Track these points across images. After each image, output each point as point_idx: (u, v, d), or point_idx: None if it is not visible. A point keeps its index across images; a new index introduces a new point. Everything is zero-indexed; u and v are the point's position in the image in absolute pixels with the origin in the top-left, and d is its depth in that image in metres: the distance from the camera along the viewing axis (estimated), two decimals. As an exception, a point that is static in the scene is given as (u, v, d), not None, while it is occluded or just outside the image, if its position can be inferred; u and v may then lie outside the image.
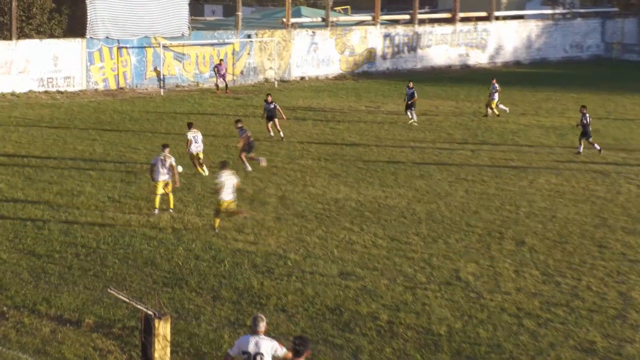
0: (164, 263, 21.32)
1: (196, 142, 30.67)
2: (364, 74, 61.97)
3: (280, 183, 29.99)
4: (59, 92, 49.76)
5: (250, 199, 27.70)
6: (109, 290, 16.96)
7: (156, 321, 15.10)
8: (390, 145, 37.11)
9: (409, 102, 42.48)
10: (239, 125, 32.41)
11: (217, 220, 24.34)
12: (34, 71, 49.70)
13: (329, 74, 60.96)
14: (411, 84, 42.91)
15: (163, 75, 53.13)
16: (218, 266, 21.26)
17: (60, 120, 41.27)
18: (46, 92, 49.56)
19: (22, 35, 51.37)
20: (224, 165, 24.78)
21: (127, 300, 16.12)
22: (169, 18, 55.12)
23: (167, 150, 26.22)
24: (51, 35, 52.73)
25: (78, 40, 51.60)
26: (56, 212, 25.48)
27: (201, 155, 30.96)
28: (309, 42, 60.80)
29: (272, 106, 37.30)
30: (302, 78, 59.43)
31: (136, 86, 53.19)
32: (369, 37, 63.87)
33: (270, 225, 24.84)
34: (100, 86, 52.00)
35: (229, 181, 24.27)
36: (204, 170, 30.76)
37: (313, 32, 61.51)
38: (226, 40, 57.22)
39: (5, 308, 18.21)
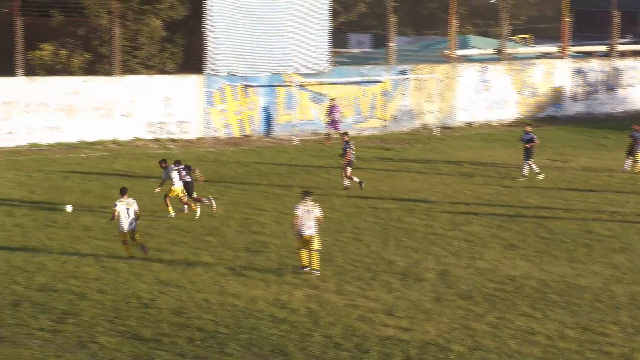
0: (296, 352, 21.36)
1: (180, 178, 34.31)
2: (549, 118, 61.61)
3: (440, 255, 29.88)
4: (171, 139, 50.81)
5: (402, 273, 27.65)
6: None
7: None
8: (582, 209, 36.68)
9: (527, 151, 42.54)
10: (346, 138, 34.49)
11: (304, 257, 25.07)
12: (141, 114, 50.76)
13: (503, 118, 60.79)
14: (529, 128, 42.69)
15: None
16: (363, 357, 21.23)
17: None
18: (155, 139, 50.64)
19: (127, 70, 52.52)
20: (306, 195, 25.35)
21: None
22: (306, 51, 55.67)
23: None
24: (162, 71, 53.80)
25: (195, 77, 52.59)
26: (166, 287, 25.85)
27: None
28: (479, 80, 60.75)
29: None
30: (469, 124, 59.42)
31: (265, 133, 53.88)
32: (556, 73, 63.54)
33: (428, 308, 24.71)
34: (222, 133, 52.87)
35: (309, 213, 24.66)
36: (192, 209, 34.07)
37: (484, 66, 61.47)
38: (375, 78, 57.60)
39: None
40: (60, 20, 53.36)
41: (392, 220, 34.50)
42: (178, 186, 34.40)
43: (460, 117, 59.55)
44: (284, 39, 55.07)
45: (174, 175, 34.45)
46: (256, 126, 54.00)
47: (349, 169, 39.42)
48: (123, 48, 52.65)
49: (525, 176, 42.01)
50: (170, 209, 34.16)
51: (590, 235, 32.73)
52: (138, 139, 50.26)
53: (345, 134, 39.99)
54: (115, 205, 28.83)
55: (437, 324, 23.48)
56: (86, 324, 22.74)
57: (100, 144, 49.20)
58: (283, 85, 54.69)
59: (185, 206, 34.55)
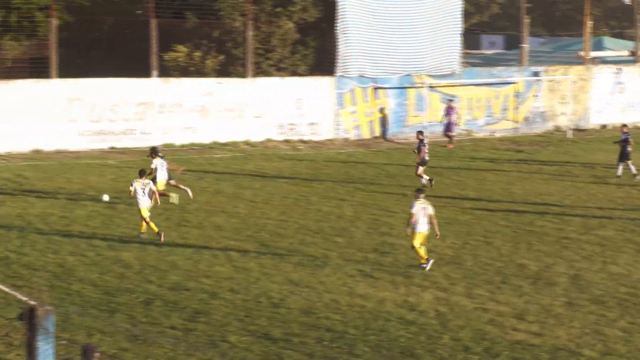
0: (425, 355, 21.30)
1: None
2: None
3: (572, 259, 29.55)
4: (301, 141, 51.15)
5: (534, 277, 27.41)
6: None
7: None
8: None
9: (623, 151, 42.66)
10: (420, 137, 35.77)
11: (422, 254, 26.20)
12: (273, 115, 51.15)
13: (638, 121, 59.87)
14: (625, 129, 42.11)
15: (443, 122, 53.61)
16: (494, 362, 21.14)
17: (303, 176, 42.20)
18: (286, 140, 50.96)
19: (259, 72, 52.93)
20: (419, 193, 25.76)
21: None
22: (437, 52, 55.60)
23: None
24: (294, 73, 54.09)
25: (326, 78, 52.81)
26: (296, 287, 25.94)
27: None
28: (613, 82, 60.08)
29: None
30: (604, 126, 58.78)
31: (395, 135, 53.88)
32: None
33: (559, 313, 24.45)
34: (351, 134, 53.02)
35: (424, 211, 25.00)
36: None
37: (618, 68, 60.74)
38: (507, 79, 57.27)
39: (233, 402, 18.71)
40: (195, 22, 53.99)
41: (524, 224, 34.24)
42: (162, 179, 35.35)
43: (594, 120, 58.99)
44: (415, 41, 55.09)
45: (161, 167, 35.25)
46: (386, 127, 53.95)
47: (420, 168, 40.06)
48: (256, 50, 53.08)
49: (618, 176, 41.84)
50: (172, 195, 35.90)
51: None
52: (269, 140, 50.65)
53: (420, 132, 40.74)
54: (132, 184, 31.44)
55: (569, 329, 23.23)
56: (217, 323, 22.94)
57: (233, 144, 49.72)
58: (413, 87, 54.62)
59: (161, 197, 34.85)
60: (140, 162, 45.25)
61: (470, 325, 23.31)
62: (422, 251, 27.45)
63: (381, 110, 54.24)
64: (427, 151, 39.50)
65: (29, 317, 10.11)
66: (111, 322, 22.70)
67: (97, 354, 15.52)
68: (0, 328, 21.50)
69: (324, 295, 25.36)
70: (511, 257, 29.55)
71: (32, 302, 10.06)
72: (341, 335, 22.44)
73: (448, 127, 52.95)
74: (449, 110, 53.15)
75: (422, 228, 27.29)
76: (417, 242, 27.32)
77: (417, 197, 27.49)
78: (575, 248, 30.83)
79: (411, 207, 27.36)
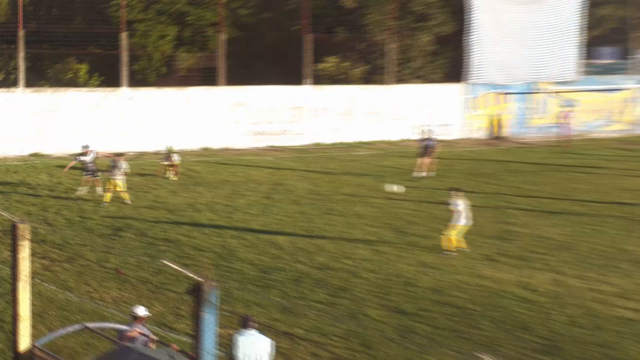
0: (538, 328, 21.31)
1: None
2: None
3: (675, 246, 29.21)
4: (435, 140, 51.24)
5: (635, 260, 27.14)
6: (477, 354, 17.23)
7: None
8: None
9: None
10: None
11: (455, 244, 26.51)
12: (409, 118, 51.27)
13: None
14: None
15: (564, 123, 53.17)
16: (598, 334, 20.99)
17: (438, 170, 42.14)
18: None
19: (399, 79, 53.14)
20: (457, 191, 27.27)
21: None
22: (558, 62, 55.16)
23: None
24: (429, 80, 54.22)
25: (457, 85, 52.84)
26: (426, 268, 26.10)
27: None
28: None
29: None
30: None
31: (517, 135, 53.57)
32: None
33: (662, 293, 24.25)
34: (479, 134, 52.84)
35: (466, 206, 25.33)
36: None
37: None
38: (621, 86, 56.50)
39: (370, 367, 18.91)
40: (344, 36, 54.38)
41: (635, 215, 33.84)
42: (119, 178, 34.69)
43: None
44: (538, 51, 54.65)
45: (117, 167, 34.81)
46: (510, 129, 53.67)
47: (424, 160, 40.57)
48: (396, 60, 53.26)
49: None
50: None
51: None
52: (405, 140, 50.69)
53: (429, 130, 40.82)
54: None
55: (669, 308, 23.02)
56: (357, 298, 23.20)
57: (373, 143, 49.85)
58: (536, 92, 54.23)
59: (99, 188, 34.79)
60: (294, 158, 45.87)
61: (580, 304, 23.21)
62: (455, 241, 27.68)
63: (503, 114, 54.04)
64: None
65: (196, 291, 10.40)
66: (266, 296, 23.14)
67: (253, 323, 15.94)
68: (171, 301, 22.10)
69: (451, 275, 25.46)
70: (619, 244, 29.26)
71: (199, 279, 10.35)
72: (465, 310, 22.53)
73: (563, 128, 52.52)
74: (563, 114, 52.81)
75: (467, 222, 27.59)
76: (455, 232, 27.58)
77: (456, 194, 27.82)
78: (677, 236, 30.41)
79: (454, 205, 27.63)
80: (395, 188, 32.02)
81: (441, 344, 20.19)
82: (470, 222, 27.88)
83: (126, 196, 34.55)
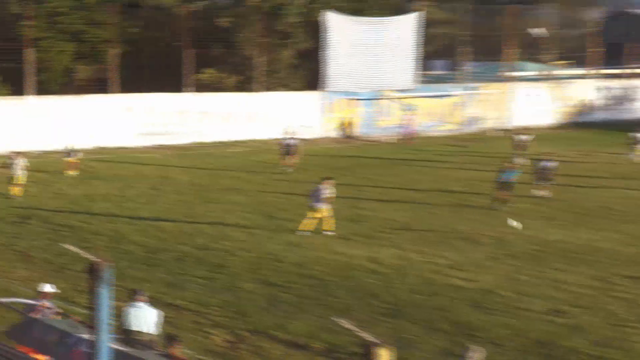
0: (384, 295, 21.51)
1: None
2: (580, 124, 60.67)
3: (495, 224, 29.78)
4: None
5: (467, 238, 27.62)
6: (333, 318, 17.28)
7: (378, 349, 15.27)
8: (602, 185, 36.25)
9: None
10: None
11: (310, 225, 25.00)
12: (276, 120, 51.15)
13: (543, 123, 60.07)
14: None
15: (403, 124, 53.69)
16: (435, 299, 21.31)
17: (300, 165, 42.09)
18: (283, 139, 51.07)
19: (268, 88, 53.13)
20: (328, 179, 27.95)
21: (352, 329, 16.39)
22: (398, 73, 55.81)
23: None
24: (292, 88, 54.43)
25: (316, 92, 53.11)
26: (292, 247, 26.12)
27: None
28: (529, 94, 60.35)
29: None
30: (522, 127, 58.86)
31: (366, 134, 54.02)
32: (584, 89, 62.76)
33: (486, 264, 24.69)
34: (334, 134, 53.12)
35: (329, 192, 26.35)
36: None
37: (534, 85, 61.06)
38: (451, 93, 57.45)
39: (243, 332, 18.81)
40: (219, 51, 54.25)
41: (464, 201, 34.39)
42: (20, 173, 33.69)
43: (515, 122, 59.01)
44: (383, 64, 55.17)
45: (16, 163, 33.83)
46: (360, 129, 54.09)
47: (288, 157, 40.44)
48: (265, 71, 53.28)
49: None
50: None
51: (608, 210, 32.38)
52: (273, 139, 50.68)
53: (292, 131, 41.99)
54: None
55: (492, 276, 23.44)
56: (233, 274, 23.11)
57: (246, 142, 49.68)
58: (381, 98, 54.79)
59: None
60: (178, 155, 45.45)
61: (419, 274, 23.50)
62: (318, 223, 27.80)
63: (354, 117, 54.39)
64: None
65: (93, 270, 10.28)
66: (153, 273, 22.91)
67: (142, 296, 15.77)
68: (72, 279, 21.68)
69: (312, 252, 25.52)
70: (451, 225, 29.73)
71: (95, 259, 10.21)
72: (324, 282, 22.62)
73: (406, 129, 53.18)
74: (406, 118, 53.59)
75: (319, 206, 27.68)
76: (319, 215, 27.77)
77: (324, 182, 28.10)
78: (498, 215, 30.99)
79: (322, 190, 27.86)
80: (515, 224, 30.84)
81: (304, 311, 20.25)
82: (330, 207, 28.00)
83: (17, 191, 33.44)
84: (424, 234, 28.30)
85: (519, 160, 37.12)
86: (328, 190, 28.10)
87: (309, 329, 18.91)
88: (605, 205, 33.20)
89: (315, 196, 27.97)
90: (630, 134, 45.93)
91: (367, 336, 15.70)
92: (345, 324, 16.47)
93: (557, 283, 22.75)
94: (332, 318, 17.94)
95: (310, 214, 27.92)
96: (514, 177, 32.46)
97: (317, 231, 27.79)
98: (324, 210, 27.85)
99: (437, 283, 22.67)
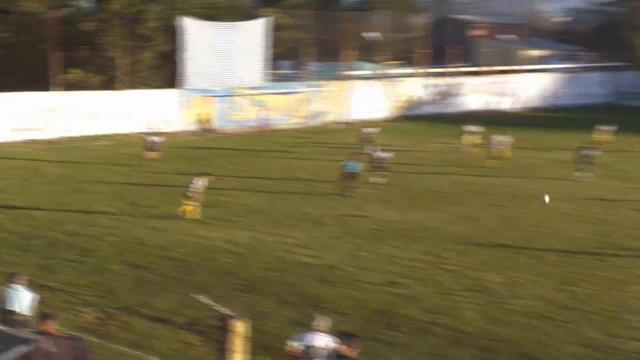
0: (240, 273, 21.57)
1: None
2: (411, 117, 61.91)
3: (337, 206, 30.15)
4: (159, 132, 50.39)
5: (313, 221, 27.90)
6: (192, 295, 17.26)
7: (234, 321, 15.32)
8: (430, 172, 37.11)
9: None
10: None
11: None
12: (139, 116, 50.35)
13: (378, 116, 61.04)
14: None
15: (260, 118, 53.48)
16: (285, 275, 21.48)
17: (162, 157, 41.54)
18: (147, 133, 50.27)
19: (130, 86, 52.26)
20: (203, 175, 26.96)
21: (210, 304, 16.39)
22: (250, 72, 55.71)
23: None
24: (152, 86, 53.73)
25: (175, 90, 52.55)
26: (157, 232, 25.82)
27: None
28: (365, 91, 61.22)
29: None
30: (359, 120, 59.69)
31: (222, 127, 53.79)
32: (413, 86, 64.10)
33: (330, 243, 25.00)
34: (193, 127, 52.68)
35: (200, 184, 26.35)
36: None
37: (369, 82, 61.96)
38: (297, 90, 57.75)
39: (112, 310, 18.56)
40: (85, 53, 53.17)
41: (310, 187, 34.61)
42: None
43: (353, 116, 59.77)
44: (236, 64, 54.93)
45: None
46: (216, 123, 53.79)
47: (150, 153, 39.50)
48: (128, 71, 52.41)
49: None
50: None
51: (435, 194, 33.18)
52: (137, 133, 49.84)
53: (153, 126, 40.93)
54: None
55: (335, 253, 23.76)
56: (101, 257, 22.74)
57: (112, 136, 48.64)
58: (235, 95, 54.65)
59: None
60: (44, 148, 44.19)
61: (271, 253, 23.63)
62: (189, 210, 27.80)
63: (211, 112, 53.99)
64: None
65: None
66: (27, 258, 22.31)
67: (19, 279, 15.38)
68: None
69: (174, 236, 25.32)
70: (299, 209, 29.93)
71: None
72: (185, 262, 22.52)
73: (261, 123, 53.15)
74: (261, 113, 53.63)
75: (191, 195, 27.79)
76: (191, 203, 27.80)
77: (200, 177, 28.24)
78: (341, 200, 31.37)
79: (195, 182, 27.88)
80: (547, 199, 30.45)
81: (167, 289, 20.13)
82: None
83: None
84: (275, 217, 28.44)
85: (367, 152, 37.22)
86: (201, 182, 27.99)
87: (172, 305, 18.81)
88: (433, 189, 34.02)
89: (188, 187, 27.78)
90: (464, 127, 46.85)
91: (224, 310, 15.79)
92: (204, 299, 16.51)
93: (393, 258, 23.27)
94: (192, 295, 17.91)
95: (185, 201, 27.70)
96: (358, 168, 32.72)
97: (181, 217, 27.58)
98: (195, 199, 27.69)
99: (287, 261, 22.86)
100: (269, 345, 16.60)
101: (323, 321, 13.43)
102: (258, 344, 16.57)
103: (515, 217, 28.92)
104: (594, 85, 75.87)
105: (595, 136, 47.47)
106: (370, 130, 45.30)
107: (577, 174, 36.72)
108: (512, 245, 24.88)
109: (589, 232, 26.90)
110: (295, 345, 13.41)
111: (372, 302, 19.39)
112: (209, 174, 28.98)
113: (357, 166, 32.64)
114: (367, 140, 44.05)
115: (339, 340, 13.28)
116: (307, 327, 14.19)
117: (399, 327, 17.91)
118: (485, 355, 16.52)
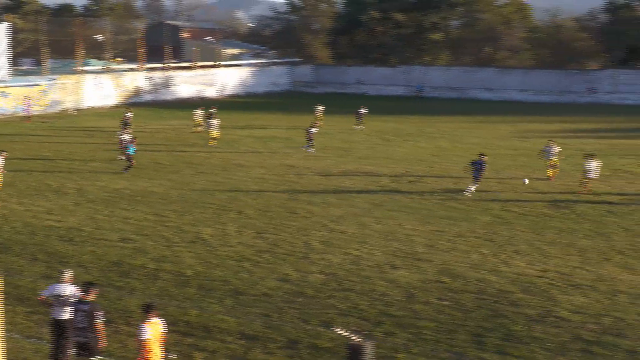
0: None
1: None
2: (134, 104, 60.37)
3: (77, 179, 28.87)
4: None
5: (56, 191, 26.52)
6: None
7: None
8: (153, 149, 36.48)
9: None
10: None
11: None
12: None
13: (108, 104, 59.10)
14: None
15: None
16: (34, 237, 20.30)
17: None
18: None
19: None
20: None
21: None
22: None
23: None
24: None
25: None
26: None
27: None
28: (95, 83, 58.94)
29: None
30: (91, 107, 57.40)
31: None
32: (136, 79, 62.59)
33: (71, 209, 23.92)
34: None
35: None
36: None
37: (97, 76, 59.72)
38: (37, 82, 54.37)
39: None
40: None
41: (53, 164, 32.74)
42: None
43: (86, 104, 57.28)
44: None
45: None
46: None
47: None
48: None
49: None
50: None
51: (158, 165, 32.67)
52: None
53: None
54: None
55: (76, 217, 22.79)
56: None
57: None
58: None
59: None
60: None
61: (21, 219, 22.22)
62: None
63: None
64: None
65: None
66: None
67: None
68: None
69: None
70: (44, 181, 28.27)
71: None
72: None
73: (25, 110, 49.66)
74: (25, 101, 50.30)
75: None
76: None
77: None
78: (79, 174, 29.96)
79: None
80: (527, 181, 26.46)
81: None
82: None
83: None
84: (24, 189, 26.72)
85: (127, 135, 34.90)
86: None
87: None
88: (156, 162, 33.44)
89: None
90: (359, 110, 46.44)
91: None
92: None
93: (125, 219, 22.72)
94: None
95: None
96: (132, 150, 30.85)
97: None
98: None
99: (35, 225, 21.62)
100: (24, 297, 15.72)
101: (67, 274, 12.87)
102: (14, 297, 15.61)
103: (223, 182, 29.18)
104: (279, 76, 78.33)
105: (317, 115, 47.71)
106: (128, 115, 42.73)
107: (306, 146, 36.77)
108: (220, 204, 25.13)
109: (280, 190, 27.77)
110: (45, 295, 12.76)
111: (109, 256, 18.85)
112: (2, 151, 26.44)
113: (132, 148, 30.81)
114: (126, 125, 41.44)
115: (80, 289, 12.82)
116: (55, 279, 13.53)
117: (132, 274, 17.58)
118: (203, 292, 16.65)
